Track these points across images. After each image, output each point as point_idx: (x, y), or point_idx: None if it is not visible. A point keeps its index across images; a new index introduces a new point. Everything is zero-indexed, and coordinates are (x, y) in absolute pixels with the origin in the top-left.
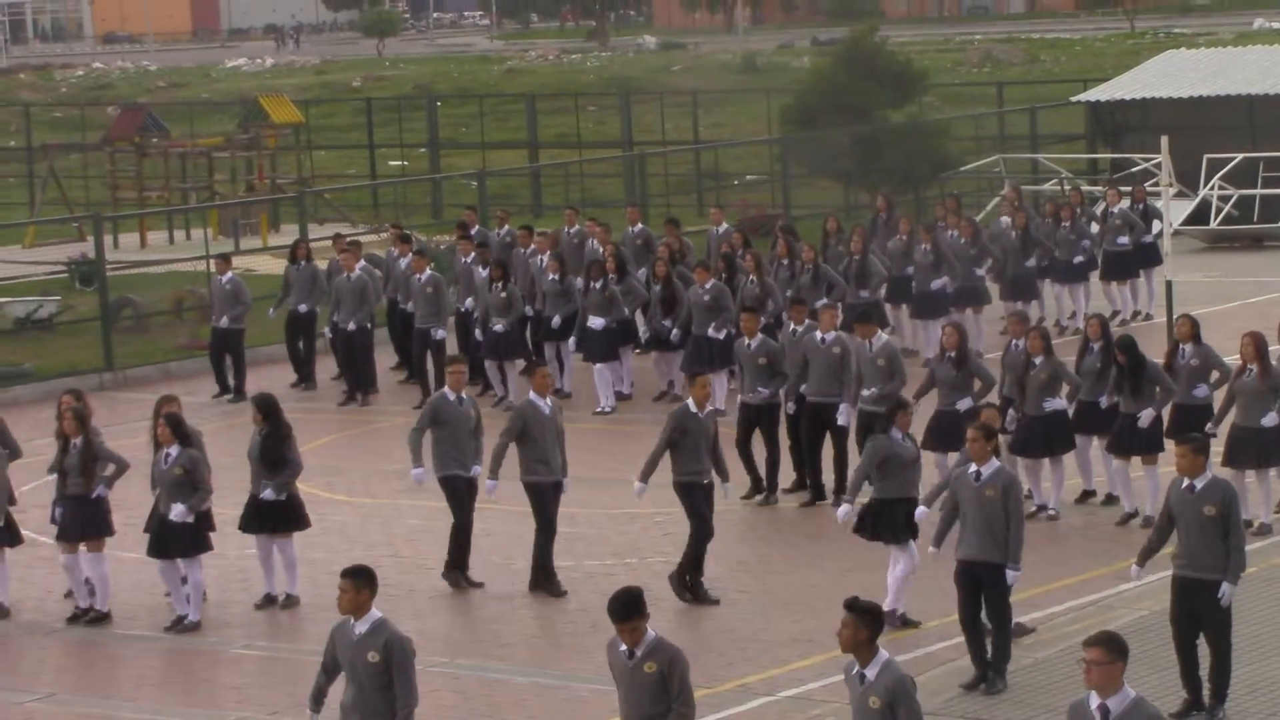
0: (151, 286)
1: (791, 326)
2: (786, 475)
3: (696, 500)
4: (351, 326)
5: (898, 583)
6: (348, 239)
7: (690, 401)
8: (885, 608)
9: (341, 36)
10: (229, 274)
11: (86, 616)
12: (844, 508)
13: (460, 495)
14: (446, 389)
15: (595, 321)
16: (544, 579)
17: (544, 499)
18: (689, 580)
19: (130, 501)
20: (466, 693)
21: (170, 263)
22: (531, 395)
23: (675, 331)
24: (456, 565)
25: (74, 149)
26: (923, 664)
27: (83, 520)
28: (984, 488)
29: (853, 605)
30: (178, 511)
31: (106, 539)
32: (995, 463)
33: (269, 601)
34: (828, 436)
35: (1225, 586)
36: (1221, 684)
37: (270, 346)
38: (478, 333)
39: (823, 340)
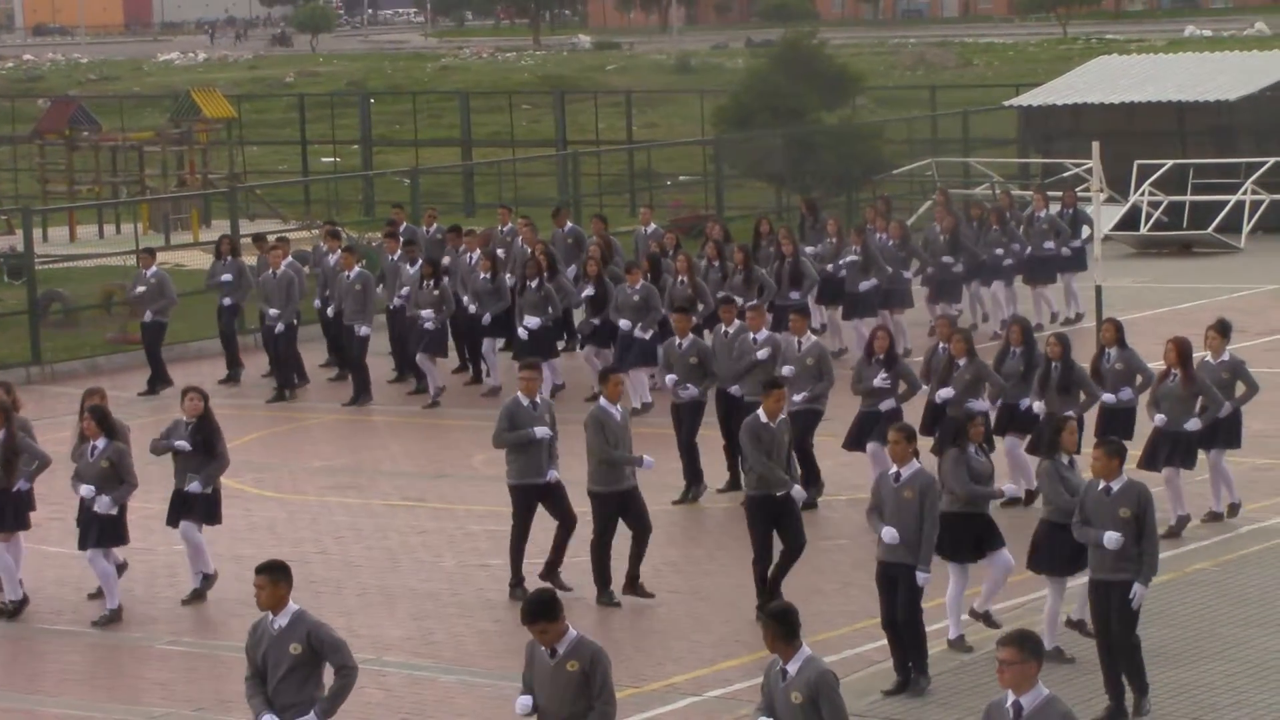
0: (80, 281)
1: (723, 327)
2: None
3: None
4: (280, 327)
5: (953, 604)
6: (275, 236)
7: (761, 412)
8: (951, 636)
9: (275, 31)
10: (154, 268)
11: (6, 610)
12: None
13: (529, 507)
14: (520, 394)
15: (531, 321)
16: (631, 586)
17: (606, 508)
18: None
19: (54, 496)
20: (393, 690)
21: (100, 257)
22: (603, 402)
23: (645, 330)
24: (517, 576)
25: (3, 141)
26: (851, 664)
27: (4, 513)
28: (902, 489)
29: (770, 609)
30: (102, 503)
31: (20, 533)
32: (916, 464)
33: (197, 596)
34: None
35: (1136, 587)
36: (1139, 679)
37: (200, 341)
38: (405, 333)
39: (754, 340)
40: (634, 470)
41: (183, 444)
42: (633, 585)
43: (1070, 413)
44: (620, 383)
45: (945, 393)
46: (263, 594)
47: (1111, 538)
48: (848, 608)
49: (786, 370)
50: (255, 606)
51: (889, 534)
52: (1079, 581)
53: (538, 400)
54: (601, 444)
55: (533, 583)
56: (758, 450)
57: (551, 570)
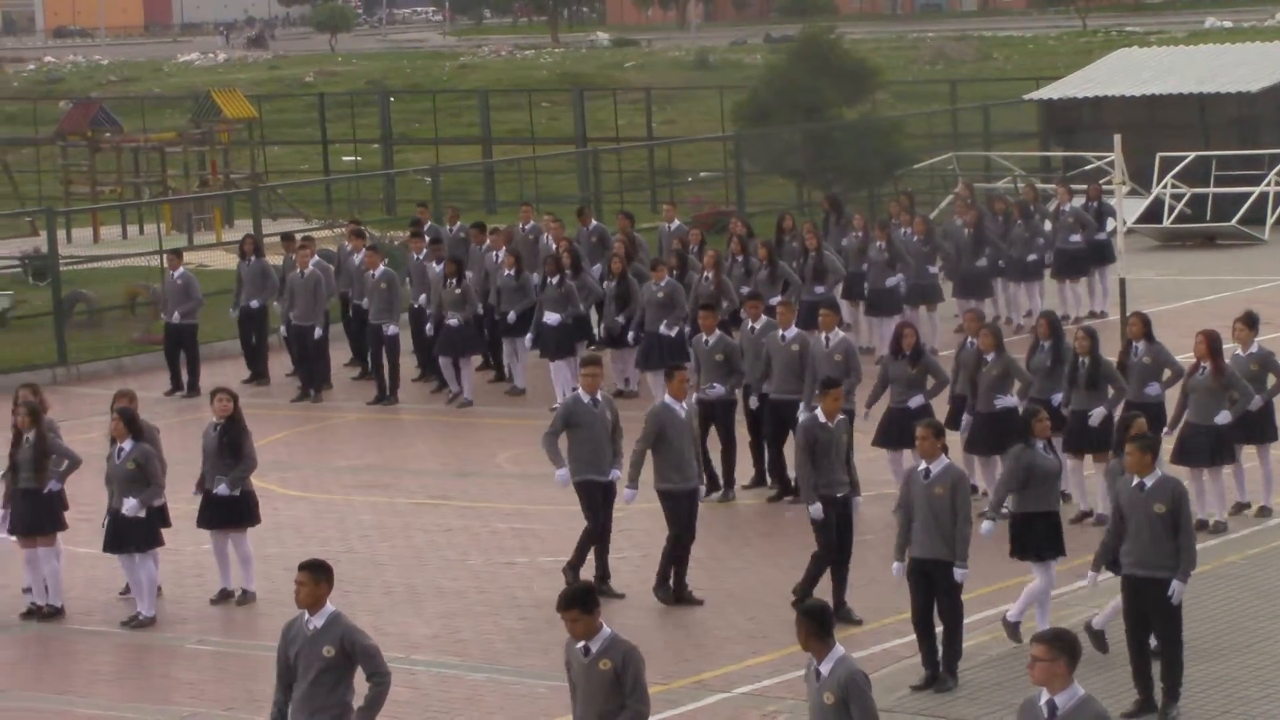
0: (105, 282)
1: (749, 323)
2: (745, 473)
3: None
4: (308, 324)
5: (1027, 596)
6: (301, 235)
7: (819, 413)
8: (1009, 618)
9: (295, 31)
10: (180, 269)
11: (40, 612)
12: (986, 524)
13: (595, 501)
14: (580, 390)
15: (551, 317)
16: (682, 593)
17: (679, 507)
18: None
19: (84, 497)
20: (422, 689)
21: (123, 258)
22: (667, 399)
23: (630, 333)
24: (575, 566)
25: (26, 143)
26: (879, 660)
27: (36, 515)
28: (933, 485)
29: (803, 606)
30: (130, 506)
31: (58, 534)
32: (945, 460)
33: (224, 597)
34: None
35: (1175, 584)
36: (1173, 682)
37: (224, 342)
38: (429, 329)
39: (782, 337)
40: (700, 471)
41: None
42: (663, 585)
43: (1098, 410)
44: (685, 379)
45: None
46: (303, 590)
47: (986, 528)
48: (874, 604)
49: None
50: (281, 605)
51: (987, 528)
52: (1104, 578)
53: (598, 397)
54: (645, 440)
55: (559, 578)
56: (805, 453)
57: (574, 569)
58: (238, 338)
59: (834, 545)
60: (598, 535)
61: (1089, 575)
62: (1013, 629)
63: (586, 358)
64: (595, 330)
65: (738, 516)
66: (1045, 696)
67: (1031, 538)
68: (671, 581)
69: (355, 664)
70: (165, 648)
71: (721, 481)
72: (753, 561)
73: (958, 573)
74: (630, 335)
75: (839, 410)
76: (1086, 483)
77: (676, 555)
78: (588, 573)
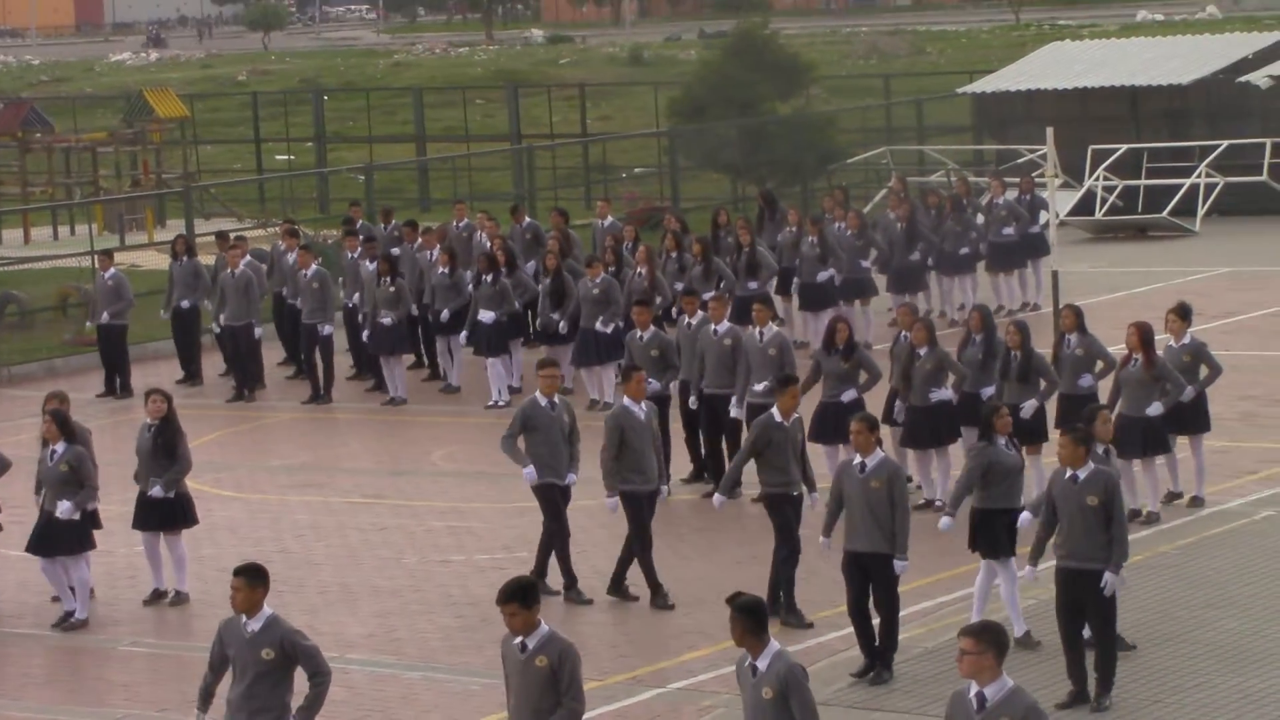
0: (36, 283)
1: (685, 319)
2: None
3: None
4: (240, 323)
5: (1012, 603)
6: (233, 234)
7: (775, 410)
8: (1016, 635)
9: (227, 30)
10: (112, 269)
11: None
12: (945, 520)
13: (555, 504)
14: (538, 393)
15: (486, 315)
16: (617, 587)
17: (639, 508)
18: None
19: (15, 499)
20: (357, 688)
21: (55, 259)
22: (626, 401)
23: (563, 324)
24: (540, 573)
25: None
26: (814, 654)
27: None
28: (869, 479)
29: (731, 601)
30: (64, 509)
31: None
32: (880, 454)
33: (157, 597)
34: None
35: (1108, 576)
36: (1107, 673)
37: (157, 342)
38: (365, 330)
39: (715, 332)
40: (665, 472)
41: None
42: (617, 586)
43: (1030, 402)
44: (643, 380)
45: (849, 394)
46: (239, 596)
47: (945, 523)
48: (811, 597)
49: (759, 387)
50: (214, 606)
51: (945, 523)
52: (1042, 569)
53: (555, 400)
54: (611, 445)
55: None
56: (748, 450)
57: (540, 576)
58: (171, 338)
59: (799, 544)
60: (559, 536)
61: (1027, 569)
62: (1028, 638)
63: (544, 360)
64: (531, 327)
65: (673, 512)
66: (975, 689)
67: (990, 534)
68: (612, 572)
69: (295, 665)
70: (98, 650)
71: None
72: (688, 557)
73: (898, 565)
74: (562, 327)
75: (795, 408)
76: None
77: (630, 555)
78: (548, 573)
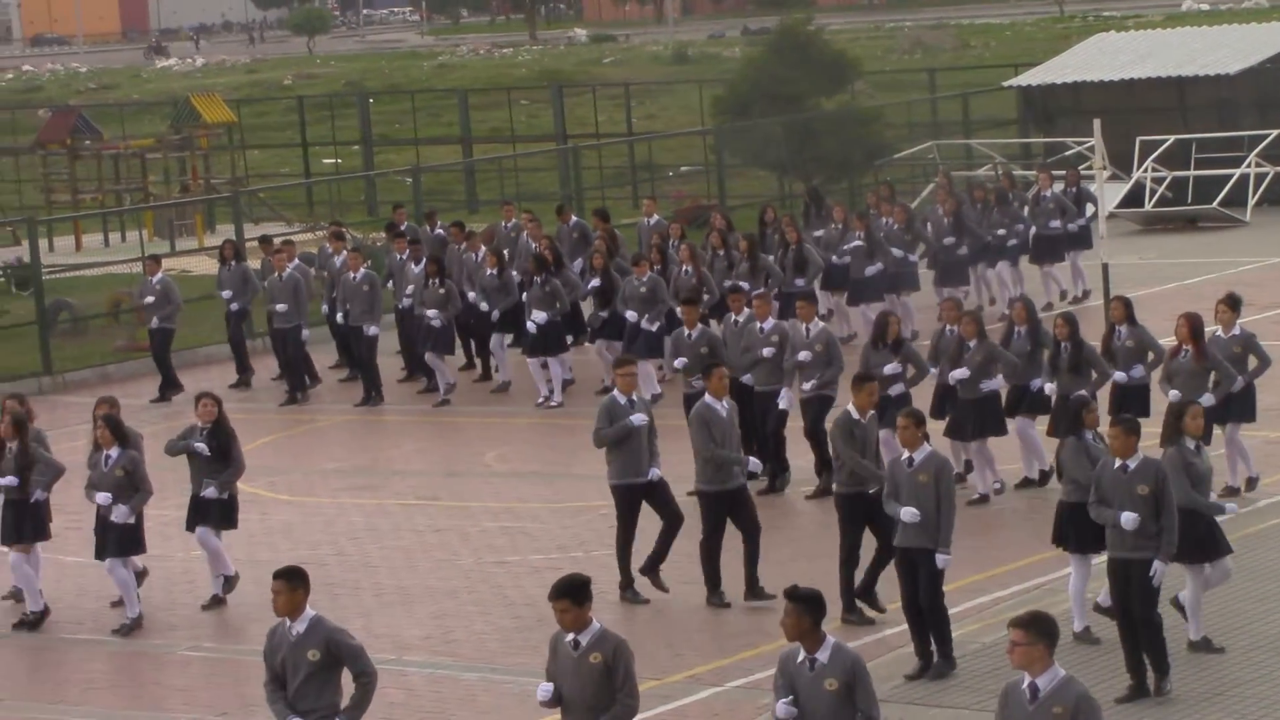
0: (88, 289)
1: (732, 316)
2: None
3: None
4: (290, 325)
5: (1078, 598)
6: (279, 238)
7: (851, 407)
8: (1075, 629)
9: (271, 34)
10: (160, 274)
11: (28, 621)
12: (1128, 516)
13: (632, 507)
14: (617, 392)
15: (539, 315)
16: (753, 590)
17: (719, 507)
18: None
19: (71, 506)
20: (414, 689)
21: (106, 265)
22: (708, 398)
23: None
24: (627, 578)
25: (5, 152)
26: (872, 650)
27: (21, 523)
28: (916, 473)
29: (793, 594)
30: (120, 513)
31: (38, 544)
32: (927, 448)
33: (216, 601)
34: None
35: (1156, 564)
36: (1159, 658)
37: (209, 347)
38: (414, 333)
39: (761, 330)
40: (742, 469)
41: (201, 446)
42: (752, 589)
43: (1083, 392)
44: (724, 376)
45: (959, 373)
46: (280, 599)
47: (1129, 518)
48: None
49: (803, 356)
50: (270, 610)
51: (908, 514)
52: (1100, 560)
53: (634, 398)
54: (705, 441)
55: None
56: (850, 446)
57: (653, 566)
58: (227, 341)
59: (858, 544)
60: (624, 537)
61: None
62: (1087, 633)
63: (621, 359)
64: (581, 325)
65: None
66: (1027, 680)
67: (1075, 529)
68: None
69: (341, 665)
70: (157, 655)
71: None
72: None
73: (940, 559)
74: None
75: (873, 405)
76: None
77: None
78: (600, 572)
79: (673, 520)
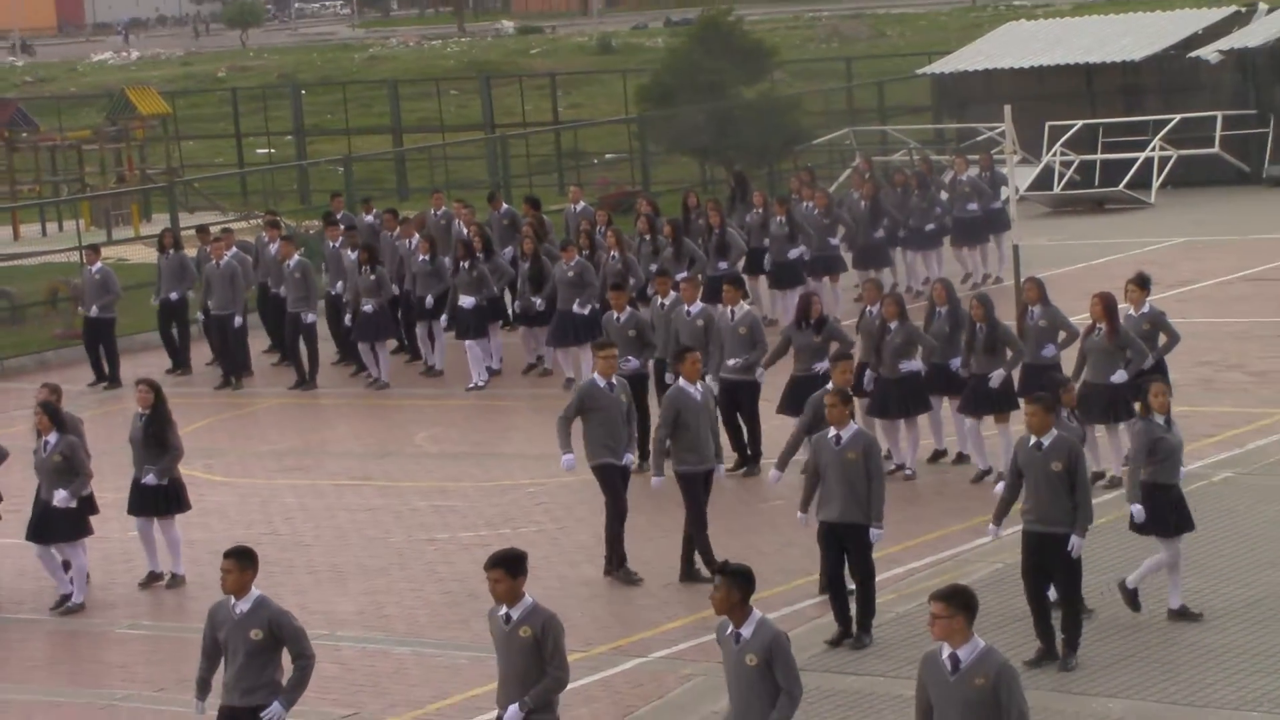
0: (26, 278)
1: (658, 300)
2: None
3: None
4: (226, 313)
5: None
6: (217, 227)
7: (830, 386)
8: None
9: (205, 30)
10: (98, 264)
11: None
12: (1137, 508)
13: (615, 484)
14: (596, 375)
15: (466, 300)
16: (689, 571)
17: (695, 489)
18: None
19: (10, 490)
20: (348, 664)
21: (44, 254)
22: (681, 382)
23: (541, 302)
24: (613, 558)
25: None
26: (791, 621)
27: None
28: (845, 451)
29: (723, 569)
30: (60, 497)
31: None
32: (854, 426)
33: (152, 580)
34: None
35: (1074, 539)
36: (1074, 633)
37: (145, 334)
38: (348, 316)
39: (688, 313)
40: (634, 444)
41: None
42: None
43: (998, 372)
44: (697, 361)
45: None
46: (229, 578)
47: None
48: (787, 566)
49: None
50: (208, 589)
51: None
52: (1007, 533)
53: (614, 381)
54: (661, 424)
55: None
56: (805, 425)
57: (610, 561)
58: (158, 329)
59: None
60: (615, 515)
61: (991, 529)
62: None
63: (601, 341)
64: (509, 310)
65: (648, 486)
66: (948, 650)
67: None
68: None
69: (282, 645)
70: (96, 633)
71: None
72: (667, 530)
73: (873, 533)
74: (539, 304)
75: (850, 382)
76: (986, 443)
77: (689, 538)
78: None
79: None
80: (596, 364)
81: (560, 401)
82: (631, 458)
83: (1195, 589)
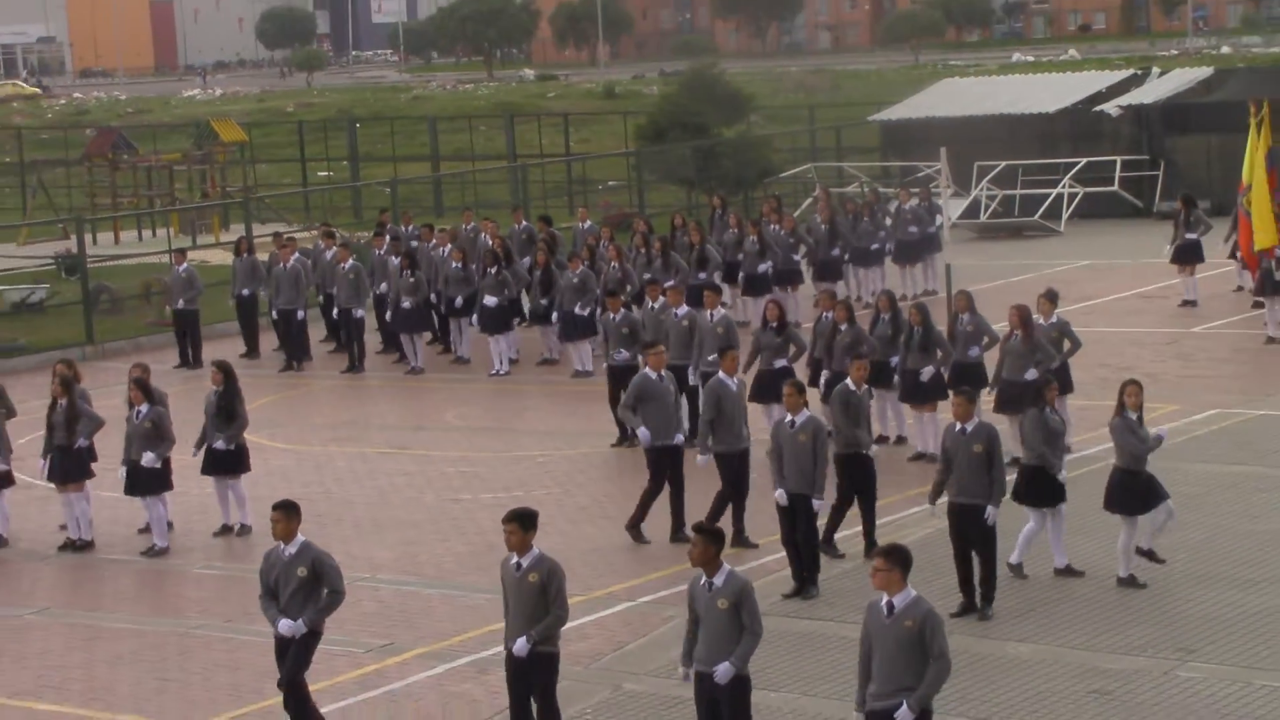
0: (124, 276)
1: (650, 303)
2: None
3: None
4: (290, 308)
5: (1025, 540)
6: (284, 235)
7: (849, 380)
8: (1012, 560)
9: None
10: (185, 265)
11: (75, 545)
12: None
13: (663, 463)
14: (648, 369)
15: (489, 300)
16: (741, 539)
17: (733, 466)
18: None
19: (111, 451)
20: (385, 602)
21: (139, 256)
22: (720, 375)
23: (546, 303)
24: (638, 519)
25: (59, 164)
26: (756, 574)
27: (67, 467)
28: (798, 433)
29: (699, 529)
30: (148, 458)
31: (87, 482)
32: (806, 413)
33: (225, 530)
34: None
35: (989, 510)
36: (989, 588)
37: (223, 323)
38: (389, 312)
39: (675, 315)
40: (747, 432)
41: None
42: (739, 537)
43: (928, 369)
44: (736, 357)
45: (928, 370)
46: (278, 526)
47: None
48: (752, 529)
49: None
50: (270, 538)
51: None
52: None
53: (663, 374)
54: (626, 402)
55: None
56: (846, 415)
57: (635, 526)
58: (235, 320)
59: (850, 500)
60: (652, 490)
61: (927, 505)
62: (1019, 570)
63: (651, 341)
64: (524, 310)
65: (640, 460)
66: (885, 598)
67: (1037, 486)
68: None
69: (323, 581)
70: (176, 573)
71: (629, 432)
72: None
73: (815, 503)
74: (553, 315)
75: (865, 378)
76: (925, 429)
77: (721, 506)
78: (661, 524)
79: (677, 485)
80: (648, 360)
81: (567, 387)
82: (681, 436)
83: (1092, 550)
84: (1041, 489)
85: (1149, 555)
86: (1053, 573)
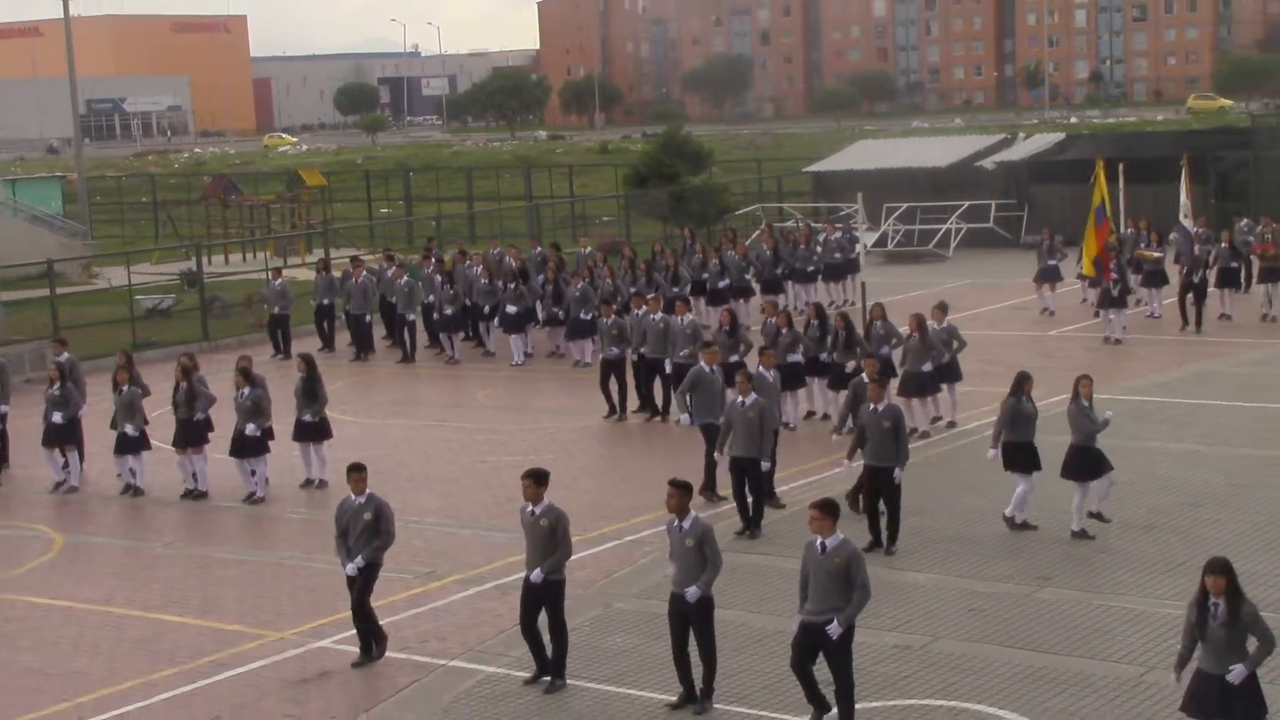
0: (232, 288)
1: (636, 311)
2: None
3: None
4: (360, 313)
5: (1019, 499)
6: (357, 258)
7: (864, 375)
8: (1007, 513)
9: (349, 130)
10: (279, 280)
11: (193, 495)
12: (991, 452)
13: (713, 436)
14: (703, 364)
15: (511, 308)
16: (710, 485)
17: (710, 436)
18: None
19: (220, 424)
20: (429, 540)
21: (244, 274)
22: (701, 364)
23: (560, 312)
24: (709, 485)
25: (183, 203)
26: (713, 519)
27: (189, 434)
28: (747, 410)
29: (673, 482)
30: (250, 429)
31: (205, 446)
32: (754, 396)
33: (308, 484)
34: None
35: (896, 471)
36: (894, 531)
37: (306, 325)
38: (435, 316)
39: (654, 319)
40: (625, 406)
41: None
42: (770, 498)
43: (851, 363)
44: (715, 353)
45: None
46: (357, 484)
47: (991, 455)
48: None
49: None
50: (342, 490)
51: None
52: (856, 464)
53: (714, 368)
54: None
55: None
56: (859, 405)
57: (709, 488)
58: (315, 323)
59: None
60: (711, 461)
61: (844, 463)
62: (1011, 522)
63: (707, 342)
64: (538, 315)
65: (629, 430)
66: (820, 540)
67: (1020, 457)
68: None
69: (380, 525)
70: (271, 517)
71: (618, 409)
72: (639, 454)
73: (764, 464)
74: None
75: (877, 373)
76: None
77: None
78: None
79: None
80: (703, 356)
81: (572, 376)
82: (724, 418)
83: (979, 506)
84: (1083, 464)
85: (1098, 516)
86: (1075, 532)
